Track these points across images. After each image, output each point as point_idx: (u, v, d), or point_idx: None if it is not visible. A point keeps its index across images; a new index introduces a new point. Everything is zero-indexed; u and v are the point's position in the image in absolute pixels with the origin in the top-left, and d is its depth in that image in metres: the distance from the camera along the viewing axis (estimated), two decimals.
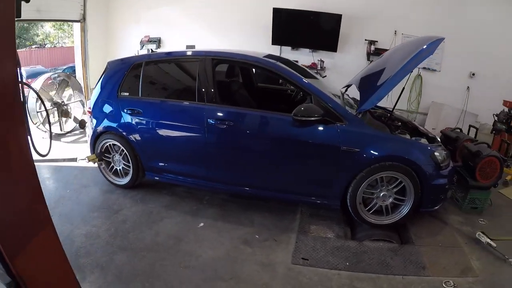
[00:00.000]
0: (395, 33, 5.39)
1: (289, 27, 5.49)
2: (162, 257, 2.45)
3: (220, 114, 2.79)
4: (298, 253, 2.54)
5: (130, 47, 6.42)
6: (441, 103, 5.49)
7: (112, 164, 3.27)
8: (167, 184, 3.36)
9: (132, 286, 2.18)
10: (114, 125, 3.07)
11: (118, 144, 3.12)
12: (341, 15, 4.92)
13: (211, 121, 2.77)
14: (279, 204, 3.18)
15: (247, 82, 3.67)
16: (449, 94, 5.45)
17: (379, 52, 5.31)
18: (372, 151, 2.60)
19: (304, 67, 3.88)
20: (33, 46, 18.07)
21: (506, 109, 4.21)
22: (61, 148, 4.54)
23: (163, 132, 2.97)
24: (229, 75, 3.33)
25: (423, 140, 2.96)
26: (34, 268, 1.28)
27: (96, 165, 3.36)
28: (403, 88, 3.25)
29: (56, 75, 4.96)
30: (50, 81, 4.84)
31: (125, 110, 3.02)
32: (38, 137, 4.69)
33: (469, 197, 3.24)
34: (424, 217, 3.10)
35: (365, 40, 5.44)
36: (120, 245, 2.56)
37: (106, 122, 3.11)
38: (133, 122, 3.01)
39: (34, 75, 5.23)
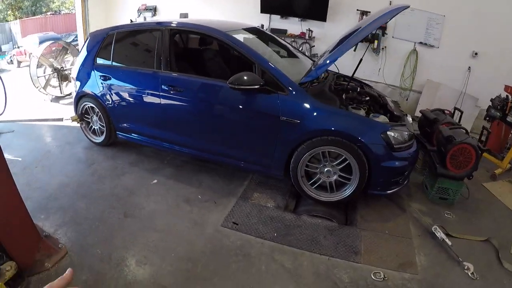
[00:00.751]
0: (390, 3, 4.85)
1: None
2: (112, 206, 2.73)
3: (171, 80, 2.90)
4: (231, 217, 2.63)
5: (128, 15, 6.68)
6: (438, 82, 4.97)
7: (91, 124, 3.61)
8: (137, 144, 3.61)
9: (81, 227, 2.48)
10: (91, 89, 3.36)
11: (94, 106, 3.42)
12: None
13: (164, 87, 2.90)
14: (232, 170, 3.27)
15: (212, 51, 3.57)
16: (447, 73, 4.92)
17: None
18: (312, 124, 2.53)
19: (290, 41, 3.77)
20: (49, 13, 19.24)
21: (505, 95, 3.67)
22: (58, 109, 5.06)
23: (127, 96, 3.19)
24: (194, 44, 3.37)
25: (382, 118, 2.77)
26: None
27: (78, 124, 3.73)
28: (361, 60, 3.10)
29: (55, 43, 5.42)
30: (54, 47, 5.32)
31: (99, 76, 3.29)
32: (40, 99, 5.29)
33: (438, 186, 2.99)
34: (381, 200, 2.98)
35: (357, 10, 5.03)
36: (83, 194, 2.90)
37: (85, 87, 3.42)
38: (105, 87, 3.27)
39: (47, 41, 5.74)
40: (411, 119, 3.22)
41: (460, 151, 2.84)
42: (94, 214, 2.63)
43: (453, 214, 2.89)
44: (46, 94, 4.99)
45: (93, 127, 3.60)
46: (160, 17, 6.48)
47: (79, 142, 3.79)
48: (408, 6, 2.50)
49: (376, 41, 5.05)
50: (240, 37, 3.26)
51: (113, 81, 3.21)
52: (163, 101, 2.96)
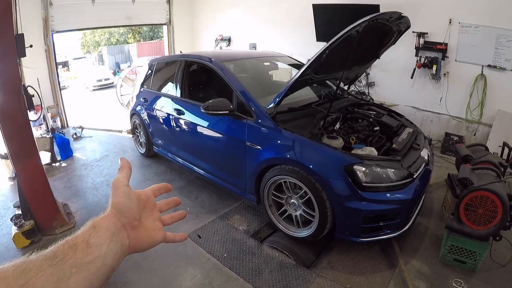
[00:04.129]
0: (450, 22, 4.07)
1: (329, 22, 5.15)
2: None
3: (178, 104, 3.40)
4: (200, 230, 2.82)
5: (207, 45, 7.70)
6: None
7: (139, 137, 4.49)
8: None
9: (95, 211, 3.19)
10: (138, 109, 4.24)
11: (139, 123, 4.28)
12: (378, 5, 4.15)
13: (174, 109, 3.42)
14: (231, 191, 3.40)
15: (210, 79, 3.74)
16: None
17: (430, 46, 4.15)
18: (271, 151, 2.49)
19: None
20: (163, 38, 22.92)
21: None
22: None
23: (154, 116, 3.86)
24: (202, 74, 3.71)
25: (368, 150, 2.42)
26: (25, 176, 2.65)
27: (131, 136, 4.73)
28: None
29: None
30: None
31: (141, 99, 4.13)
32: (123, 114, 6.29)
33: (450, 244, 2.33)
34: (369, 250, 2.54)
35: (413, 32, 4.33)
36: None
37: (135, 106, 4.33)
38: (143, 108, 4.08)
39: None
40: (426, 155, 2.66)
41: (479, 201, 2.16)
42: (106, 206, 3.29)
43: (465, 284, 2.19)
44: (128, 109, 6.37)
45: (140, 140, 4.48)
46: (233, 47, 7.32)
47: (132, 151, 4.76)
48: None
49: (435, 66, 4.27)
50: (247, 63, 3.53)
51: (148, 102, 3.98)
52: (173, 122, 3.48)
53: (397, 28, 2.82)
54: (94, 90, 14.07)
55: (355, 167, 2.19)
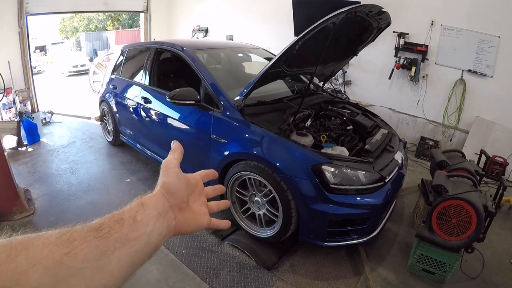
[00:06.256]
0: (432, 24, 4.02)
1: (309, 17, 4.98)
2: (88, 188, 3.22)
3: (145, 92, 3.19)
4: None
5: (184, 34, 7.46)
6: (490, 120, 3.73)
7: (107, 125, 4.23)
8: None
9: (55, 199, 3.05)
10: (106, 96, 3.98)
11: (107, 110, 4.02)
12: (359, 1, 4.08)
13: (142, 97, 3.20)
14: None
15: (180, 67, 3.44)
16: (504, 109, 3.68)
17: (410, 47, 4.08)
18: (236, 145, 2.33)
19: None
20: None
21: None
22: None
23: (122, 104, 3.63)
24: (172, 62, 3.49)
25: (339, 149, 2.29)
26: None
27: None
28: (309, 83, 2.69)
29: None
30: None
31: (111, 86, 3.88)
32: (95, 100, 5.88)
33: (419, 253, 2.24)
34: (335, 254, 2.42)
35: (393, 32, 4.25)
36: (73, 177, 3.46)
37: (105, 93, 4.06)
38: (112, 95, 3.83)
39: None
40: (400, 158, 2.55)
41: (453, 210, 2.06)
42: (68, 193, 3.13)
43: None
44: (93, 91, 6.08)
45: (108, 128, 4.21)
46: (210, 38, 7.09)
47: (100, 139, 4.49)
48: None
49: (414, 68, 4.20)
50: (222, 54, 3.35)
51: (117, 90, 3.73)
52: (140, 110, 3.26)
53: (377, 24, 2.71)
54: (69, 75, 13.75)
55: (323, 167, 2.06)
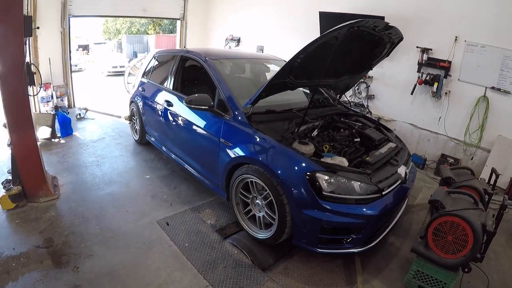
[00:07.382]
0: (456, 40, 3.90)
1: None
2: (110, 181, 3.56)
3: (169, 95, 3.48)
4: (170, 218, 2.88)
5: (218, 43, 7.75)
6: None
7: (135, 124, 4.61)
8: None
9: (81, 187, 3.40)
10: (135, 96, 4.36)
11: (136, 110, 4.39)
12: (383, 17, 4.07)
13: (165, 100, 3.50)
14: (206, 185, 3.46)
15: (201, 74, 3.61)
16: None
17: (433, 62, 3.98)
18: (240, 149, 2.49)
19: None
20: None
21: None
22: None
23: (150, 106, 3.95)
24: (195, 69, 3.70)
25: (338, 159, 2.37)
26: (19, 146, 2.88)
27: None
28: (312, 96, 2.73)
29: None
30: None
31: (140, 88, 4.24)
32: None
33: (415, 268, 2.23)
34: (331, 262, 2.49)
35: (417, 47, 4.18)
36: (99, 169, 3.82)
37: (134, 95, 4.45)
38: (140, 97, 4.18)
39: None
40: (403, 172, 2.56)
41: (449, 227, 2.05)
42: (91, 184, 3.46)
43: None
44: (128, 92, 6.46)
45: (136, 127, 4.59)
46: (242, 47, 7.37)
47: (127, 136, 4.89)
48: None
49: (436, 84, 4.10)
50: (243, 64, 3.58)
51: (145, 92, 4.08)
52: (162, 112, 3.56)
53: (389, 39, 2.75)
54: (108, 75, 14.26)
55: (318, 174, 2.15)
